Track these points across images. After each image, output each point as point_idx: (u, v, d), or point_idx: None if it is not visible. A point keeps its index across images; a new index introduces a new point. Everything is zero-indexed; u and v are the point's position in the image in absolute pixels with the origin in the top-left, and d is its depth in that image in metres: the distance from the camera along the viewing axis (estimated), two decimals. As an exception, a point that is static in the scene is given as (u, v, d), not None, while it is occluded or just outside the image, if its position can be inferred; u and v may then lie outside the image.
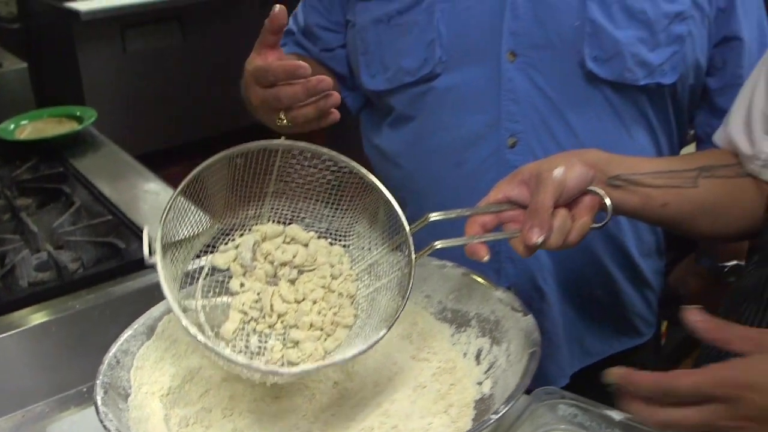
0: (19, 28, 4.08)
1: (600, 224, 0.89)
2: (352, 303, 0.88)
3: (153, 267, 0.78)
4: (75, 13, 3.61)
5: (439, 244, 0.86)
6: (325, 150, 0.86)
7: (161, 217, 0.80)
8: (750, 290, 0.94)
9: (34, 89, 2.20)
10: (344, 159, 0.86)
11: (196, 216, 0.85)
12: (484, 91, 1.20)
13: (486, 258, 0.86)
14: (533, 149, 1.18)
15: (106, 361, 0.82)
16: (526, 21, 1.17)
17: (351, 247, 0.91)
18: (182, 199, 0.82)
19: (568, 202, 0.87)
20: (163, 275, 0.78)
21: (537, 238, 0.83)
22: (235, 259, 0.88)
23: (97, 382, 0.78)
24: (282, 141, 0.85)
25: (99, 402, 0.75)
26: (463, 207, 0.90)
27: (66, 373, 1.03)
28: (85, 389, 0.77)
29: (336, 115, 1.07)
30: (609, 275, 1.28)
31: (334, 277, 0.88)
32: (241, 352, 0.82)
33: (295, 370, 0.78)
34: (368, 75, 1.30)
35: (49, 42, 4.05)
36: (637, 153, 1.18)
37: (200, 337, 0.75)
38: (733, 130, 1.03)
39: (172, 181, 1.30)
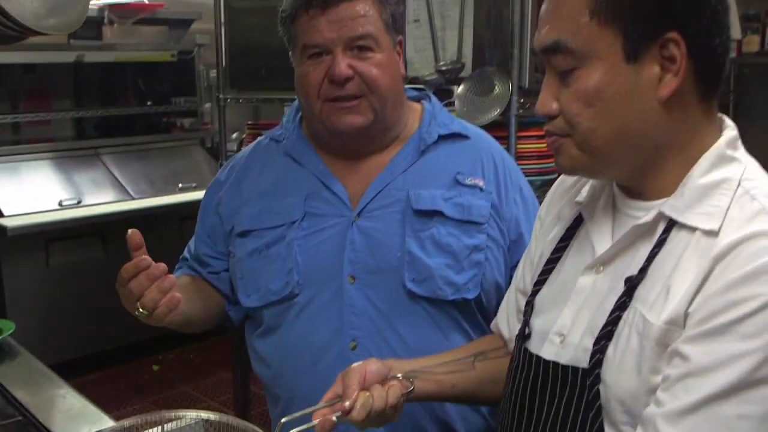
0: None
1: (408, 391, 1.20)
2: None
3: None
4: (2, 229, 3.79)
5: None
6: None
7: None
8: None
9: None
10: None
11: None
12: (331, 307, 1.51)
13: None
14: (370, 351, 1.47)
15: None
16: (361, 252, 1.50)
17: None
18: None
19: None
20: None
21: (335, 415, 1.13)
22: None
23: None
24: None
25: None
26: (321, 397, 1.18)
27: None
28: None
29: (177, 297, 1.36)
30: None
31: None
32: None
33: None
34: (245, 295, 1.60)
35: (-25, 257, 4.20)
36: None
37: None
38: (499, 320, 1.38)
39: (86, 388, 1.53)
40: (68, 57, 4.42)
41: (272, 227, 1.56)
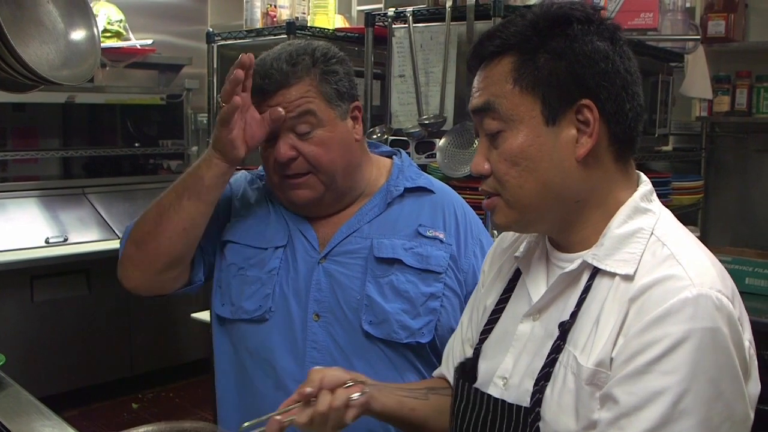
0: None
1: (359, 395, 1.26)
2: None
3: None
4: (-12, 266, 3.82)
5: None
6: None
7: None
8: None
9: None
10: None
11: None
12: (295, 340, 1.61)
13: None
14: None
15: None
16: (325, 293, 1.61)
17: None
18: None
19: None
20: None
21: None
22: None
23: None
24: None
25: None
26: None
27: None
28: None
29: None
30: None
31: None
32: None
33: None
34: (219, 303, 1.70)
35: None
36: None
37: None
38: (444, 368, 1.46)
39: (70, 423, 1.59)
40: (59, 98, 4.48)
41: (257, 247, 1.66)
